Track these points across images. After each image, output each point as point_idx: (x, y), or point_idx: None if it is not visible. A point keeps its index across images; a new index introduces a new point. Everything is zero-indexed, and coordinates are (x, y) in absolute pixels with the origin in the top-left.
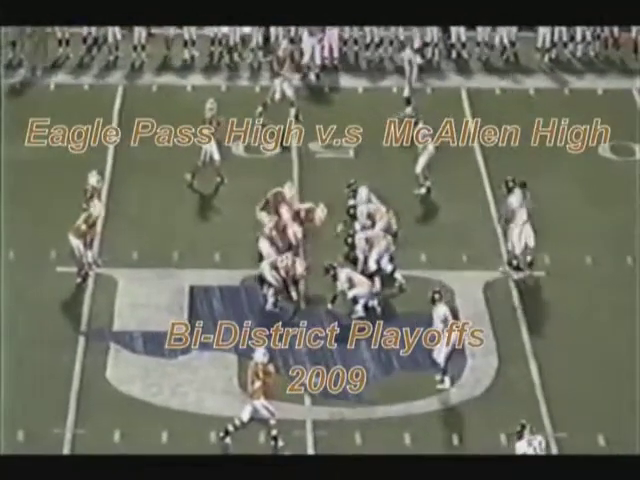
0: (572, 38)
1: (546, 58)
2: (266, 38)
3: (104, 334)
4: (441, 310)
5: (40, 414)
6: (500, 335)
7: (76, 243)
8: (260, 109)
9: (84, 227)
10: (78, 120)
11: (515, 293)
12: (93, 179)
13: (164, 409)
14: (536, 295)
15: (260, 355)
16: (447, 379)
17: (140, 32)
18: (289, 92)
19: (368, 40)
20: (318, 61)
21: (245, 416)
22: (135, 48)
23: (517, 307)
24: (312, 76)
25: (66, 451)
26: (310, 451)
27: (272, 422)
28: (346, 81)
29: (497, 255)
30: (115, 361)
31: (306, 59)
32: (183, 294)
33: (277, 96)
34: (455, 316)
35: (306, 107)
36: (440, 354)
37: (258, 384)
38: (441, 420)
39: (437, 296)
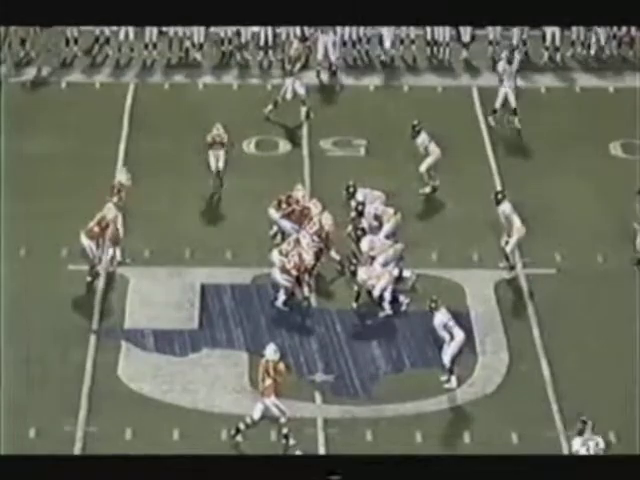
0: (586, 37)
1: (558, 56)
2: (275, 36)
3: (115, 332)
4: (439, 318)
5: (51, 411)
6: (511, 333)
7: (88, 243)
8: (270, 107)
9: (97, 229)
10: (90, 118)
11: (526, 290)
12: (122, 176)
13: (175, 407)
14: (547, 292)
15: (271, 352)
16: (454, 379)
17: (151, 31)
18: (300, 91)
19: (384, 38)
20: (333, 59)
21: (256, 414)
22: (146, 46)
23: (528, 304)
24: (323, 74)
25: (77, 448)
26: (321, 449)
27: (283, 420)
28: (357, 79)
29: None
30: (126, 359)
31: (320, 57)
32: (194, 292)
33: (288, 95)
34: (456, 318)
35: (317, 105)
36: (445, 355)
37: (269, 382)
38: (452, 418)
39: (433, 305)
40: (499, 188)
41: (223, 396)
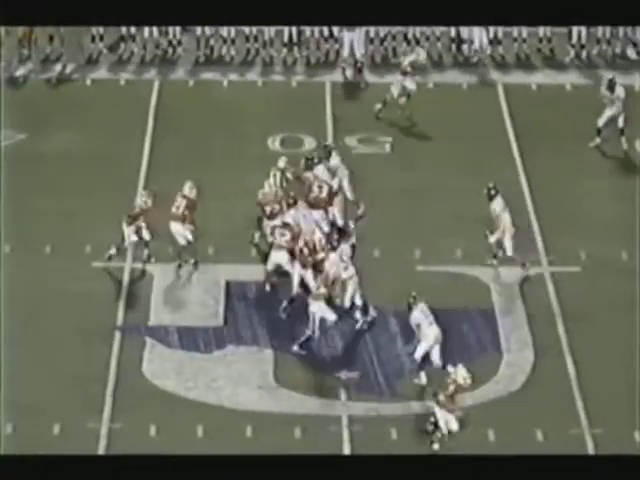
0: (612, 34)
1: (584, 54)
2: (299, 33)
3: (140, 329)
4: (415, 315)
5: (76, 408)
6: (536, 330)
7: (129, 231)
8: (379, 106)
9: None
10: (115, 115)
11: (551, 288)
12: (143, 198)
13: (199, 404)
14: (572, 290)
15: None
16: (423, 375)
17: (175, 27)
18: (411, 86)
19: (410, 36)
20: (358, 56)
21: (454, 426)
22: (171, 43)
23: (553, 302)
24: (348, 71)
25: (102, 446)
26: (346, 447)
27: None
28: (382, 76)
29: (534, 251)
30: (151, 356)
31: (345, 54)
32: (219, 289)
33: (395, 93)
34: (481, 315)
35: (343, 102)
36: (418, 352)
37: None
38: (477, 416)
39: (412, 300)
40: (491, 185)
41: (247, 393)
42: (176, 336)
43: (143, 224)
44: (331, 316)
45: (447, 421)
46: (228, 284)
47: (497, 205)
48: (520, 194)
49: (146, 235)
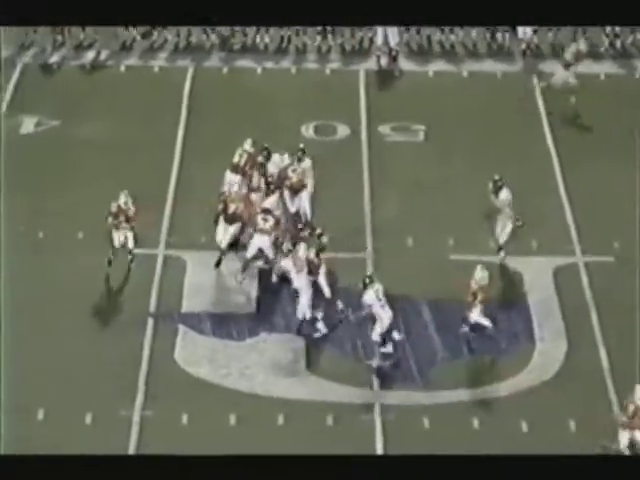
0: None
1: (618, 44)
2: None
3: (173, 316)
4: (369, 295)
5: (108, 396)
6: (569, 320)
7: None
8: (573, 99)
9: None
10: (148, 102)
11: (585, 278)
12: (122, 199)
13: (232, 391)
14: (606, 280)
15: None
16: (389, 346)
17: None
18: (572, 80)
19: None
20: (393, 44)
21: None
22: (205, 30)
23: (586, 292)
24: (383, 60)
25: (134, 432)
26: (378, 436)
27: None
28: (417, 64)
29: (568, 241)
30: (183, 343)
31: (379, 42)
32: (252, 276)
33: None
34: (514, 305)
35: (376, 90)
36: (375, 332)
37: None
38: (510, 405)
39: (367, 280)
40: (497, 177)
41: (280, 381)
42: (209, 323)
43: (127, 226)
44: (487, 322)
45: (632, 439)
46: (261, 271)
47: (505, 195)
48: (554, 183)
49: (130, 239)
